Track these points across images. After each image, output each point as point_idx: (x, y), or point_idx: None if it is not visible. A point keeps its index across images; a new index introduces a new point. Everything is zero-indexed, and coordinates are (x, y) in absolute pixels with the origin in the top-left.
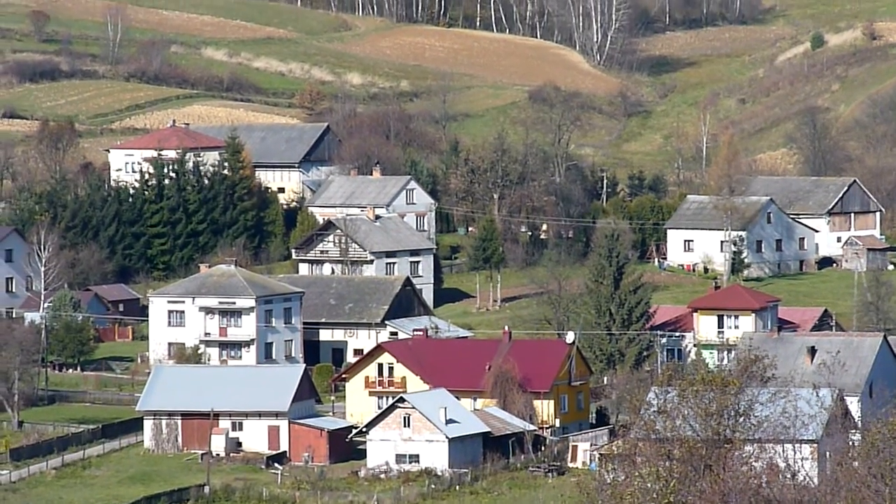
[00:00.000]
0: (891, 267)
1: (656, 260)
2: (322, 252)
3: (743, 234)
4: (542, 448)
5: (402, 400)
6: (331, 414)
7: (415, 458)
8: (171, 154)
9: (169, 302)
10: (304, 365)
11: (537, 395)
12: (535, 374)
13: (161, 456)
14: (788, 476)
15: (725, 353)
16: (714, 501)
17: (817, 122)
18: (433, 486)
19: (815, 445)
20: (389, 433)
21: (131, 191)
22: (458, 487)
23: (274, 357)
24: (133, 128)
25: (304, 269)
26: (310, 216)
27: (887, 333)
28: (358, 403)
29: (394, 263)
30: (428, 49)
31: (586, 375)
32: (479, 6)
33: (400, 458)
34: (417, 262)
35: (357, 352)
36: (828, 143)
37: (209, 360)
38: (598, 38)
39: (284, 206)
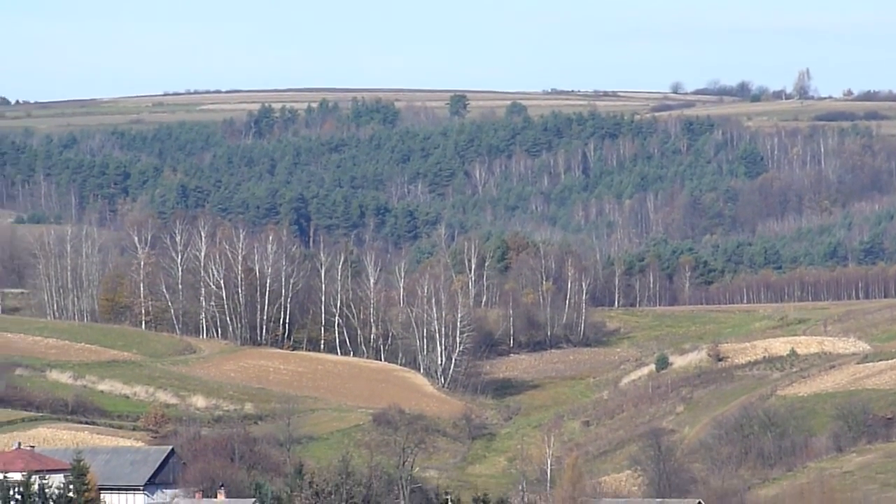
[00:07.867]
0: None
1: None
2: None
3: None
4: None
5: None
6: None
7: None
8: (16, 476)
9: None
10: None
11: None
12: None
13: None
14: None
15: None
16: None
17: (662, 444)
18: None
19: None
20: None
21: None
22: None
23: None
24: None
25: None
26: None
27: None
28: None
29: None
30: (272, 372)
31: None
32: (322, 329)
33: None
34: None
35: None
36: (672, 464)
37: None
38: (442, 360)
39: None
